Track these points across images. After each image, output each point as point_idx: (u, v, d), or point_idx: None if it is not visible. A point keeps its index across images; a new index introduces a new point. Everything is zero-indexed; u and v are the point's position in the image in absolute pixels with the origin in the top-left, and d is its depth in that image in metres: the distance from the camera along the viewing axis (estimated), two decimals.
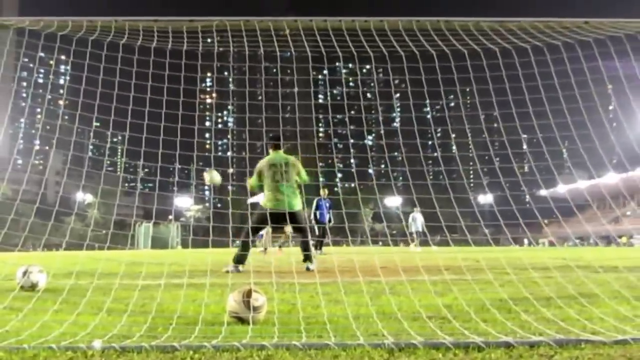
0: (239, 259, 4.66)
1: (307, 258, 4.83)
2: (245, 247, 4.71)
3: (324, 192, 11.18)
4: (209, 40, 3.28)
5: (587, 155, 2.99)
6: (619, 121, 3.26)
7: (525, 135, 3.43)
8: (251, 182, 5.04)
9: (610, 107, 3.52)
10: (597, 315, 1.87)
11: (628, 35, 2.81)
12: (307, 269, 4.65)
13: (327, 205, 10.91)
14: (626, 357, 1.31)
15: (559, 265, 5.04)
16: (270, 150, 5.07)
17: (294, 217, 4.83)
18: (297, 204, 4.93)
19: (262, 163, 4.99)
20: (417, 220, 14.39)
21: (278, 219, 4.81)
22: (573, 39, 2.86)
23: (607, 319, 1.76)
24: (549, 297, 2.31)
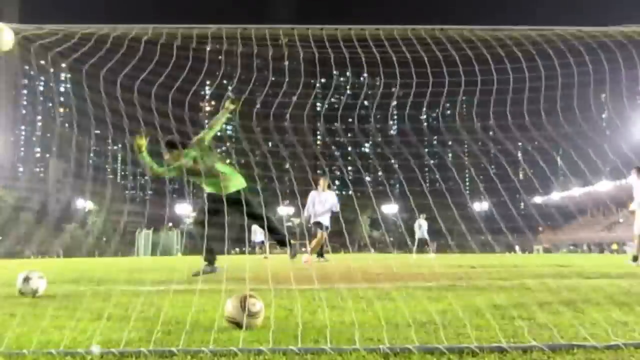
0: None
1: (281, 243, 4.47)
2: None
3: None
4: (207, 48, 3.34)
5: (581, 163, 3.04)
6: (612, 129, 3.32)
7: (520, 143, 3.49)
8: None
9: (604, 115, 3.59)
10: (589, 320, 1.89)
11: (621, 42, 2.88)
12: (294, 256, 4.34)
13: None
14: None
15: (553, 271, 5.07)
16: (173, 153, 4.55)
17: (233, 200, 4.29)
18: (232, 186, 4.50)
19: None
20: (422, 227, 14.31)
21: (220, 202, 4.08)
22: (566, 46, 2.93)
23: (599, 325, 1.79)
24: (543, 303, 2.34)
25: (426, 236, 14.37)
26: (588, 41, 2.90)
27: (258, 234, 15.40)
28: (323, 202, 8.29)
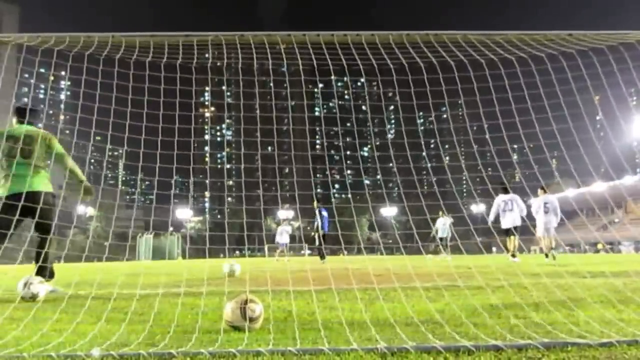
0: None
1: (41, 271, 3.47)
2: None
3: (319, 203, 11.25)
4: (206, 55, 3.39)
5: (575, 164, 3.08)
6: (605, 131, 3.37)
7: (515, 146, 3.52)
8: None
9: (598, 117, 3.64)
10: (583, 319, 1.91)
11: (611, 46, 2.94)
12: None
13: (323, 213, 11.06)
14: (611, 359, 1.35)
15: (549, 271, 5.09)
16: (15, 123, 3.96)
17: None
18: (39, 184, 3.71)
19: None
20: (446, 226, 13.70)
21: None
22: (557, 50, 2.98)
23: (593, 323, 1.81)
24: (538, 302, 2.36)
25: (448, 234, 13.61)
26: (580, 45, 2.95)
27: (284, 235, 15.43)
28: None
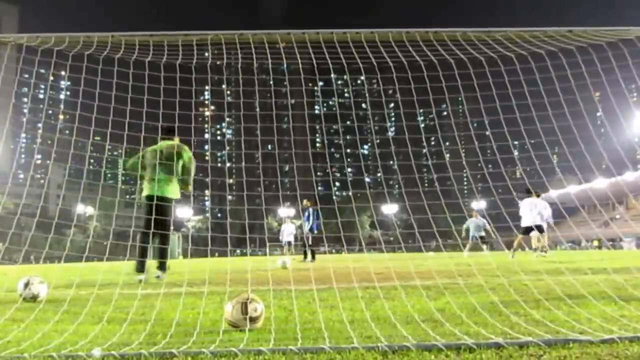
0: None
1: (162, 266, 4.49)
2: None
3: (308, 202, 11.33)
4: (205, 54, 3.37)
5: (576, 160, 3.07)
6: (606, 127, 3.36)
7: (516, 142, 3.52)
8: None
9: (598, 114, 3.63)
10: (584, 315, 1.91)
11: (610, 43, 2.92)
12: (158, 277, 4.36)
13: (309, 214, 11.16)
14: (613, 356, 1.34)
15: (549, 268, 5.09)
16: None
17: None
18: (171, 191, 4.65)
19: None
20: (479, 225, 13.71)
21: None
22: (557, 47, 2.97)
23: (594, 319, 1.81)
24: (539, 299, 2.36)
25: (480, 234, 13.44)
26: (580, 41, 2.94)
27: (285, 234, 15.52)
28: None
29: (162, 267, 4.52)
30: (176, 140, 5.05)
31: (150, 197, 4.60)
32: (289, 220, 16.54)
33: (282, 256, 10.92)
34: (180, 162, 4.81)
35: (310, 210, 11.06)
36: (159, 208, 4.43)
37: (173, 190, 4.75)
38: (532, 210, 10.03)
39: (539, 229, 10.13)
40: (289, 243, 15.70)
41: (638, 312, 1.95)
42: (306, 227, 10.99)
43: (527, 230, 10.26)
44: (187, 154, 4.87)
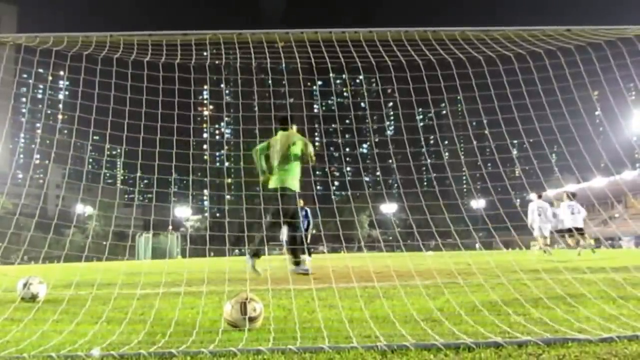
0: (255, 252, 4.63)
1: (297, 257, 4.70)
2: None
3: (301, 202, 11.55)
4: (204, 53, 3.37)
5: (575, 160, 3.08)
6: (605, 126, 3.37)
7: (515, 142, 3.52)
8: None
9: (597, 113, 3.64)
10: (583, 314, 1.91)
11: (609, 41, 2.93)
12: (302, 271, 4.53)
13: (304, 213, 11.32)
14: (611, 354, 1.34)
15: (548, 267, 5.10)
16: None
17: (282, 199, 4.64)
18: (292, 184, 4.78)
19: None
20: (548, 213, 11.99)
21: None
22: (556, 46, 2.97)
23: (593, 318, 1.81)
24: (538, 298, 2.36)
25: (575, 224, 11.02)
26: (578, 40, 2.94)
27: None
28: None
29: (296, 256, 4.69)
30: (293, 130, 5.05)
31: (276, 189, 4.71)
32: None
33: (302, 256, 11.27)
34: (297, 149, 4.86)
35: (306, 209, 11.30)
36: (285, 199, 4.59)
37: (294, 183, 4.83)
38: (542, 214, 10.87)
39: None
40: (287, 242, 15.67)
41: (637, 311, 1.95)
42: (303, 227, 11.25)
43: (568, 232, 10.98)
44: (301, 141, 4.91)
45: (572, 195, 11.28)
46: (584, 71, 2.91)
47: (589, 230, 11.84)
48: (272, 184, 4.82)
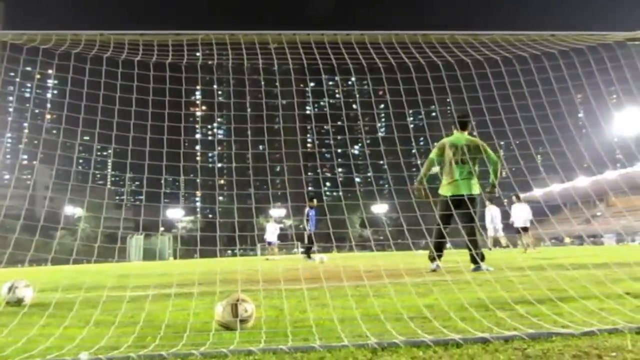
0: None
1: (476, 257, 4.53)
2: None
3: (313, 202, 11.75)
4: (196, 54, 3.35)
5: (559, 160, 3.16)
6: (587, 128, 3.48)
7: (502, 142, 3.60)
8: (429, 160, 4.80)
9: (579, 115, 3.75)
10: (567, 310, 1.97)
11: (591, 47, 3.02)
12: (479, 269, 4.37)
13: (310, 214, 11.45)
14: (593, 347, 1.39)
15: (533, 264, 5.23)
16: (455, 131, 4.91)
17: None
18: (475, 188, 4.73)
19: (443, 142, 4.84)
20: (495, 218, 13.44)
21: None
22: (540, 50, 3.06)
23: (576, 313, 1.86)
24: (523, 295, 2.42)
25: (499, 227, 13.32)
26: (562, 45, 3.02)
27: (269, 233, 15.56)
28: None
29: (475, 260, 4.54)
30: (467, 134, 4.91)
31: (455, 196, 4.59)
32: (272, 220, 16.57)
33: (320, 254, 11.45)
34: (488, 154, 4.69)
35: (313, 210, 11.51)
36: (466, 204, 4.43)
37: (476, 186, 4.75)
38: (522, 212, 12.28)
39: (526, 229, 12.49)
40: (270, 243, 15.71)
41: (617, 306, 2.02)
42: (312, 227, 11.41)
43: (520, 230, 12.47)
44: (494, 153, 4.73)
45: (518, 198, 12.58)
46: (567, 75, 2.99)
47: (534, 231, 13.23)
48: (454, 191, 4.68)
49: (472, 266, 4.57)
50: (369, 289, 2.87)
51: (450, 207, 4.53)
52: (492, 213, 13.15)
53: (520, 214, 12.48)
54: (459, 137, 4.85)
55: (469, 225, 4.56)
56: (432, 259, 4.70)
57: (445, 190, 4.73)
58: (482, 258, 4.60)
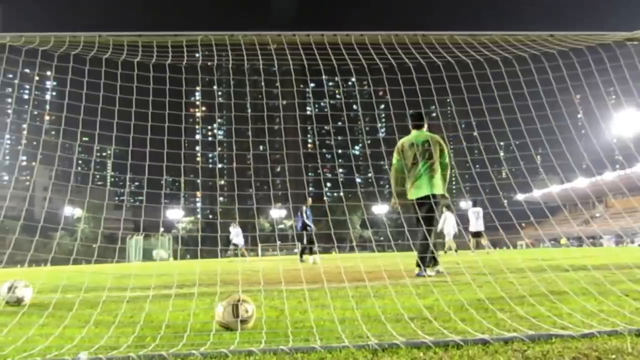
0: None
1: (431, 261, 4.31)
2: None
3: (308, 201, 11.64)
4: (196, 55, 3.35)
5: (558, 161, 3.17)
6: (587, 128, 3.48)
7: (502, 143, 3.60)
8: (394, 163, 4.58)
9: (579, 116, 3.75)
10: (566, 311, 1.97)
11: (590, 47, 3.03)
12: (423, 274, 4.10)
13: (308, 213, 11.34)
14: (592, 349, 1.39)
15: (533, 266, 5.22)
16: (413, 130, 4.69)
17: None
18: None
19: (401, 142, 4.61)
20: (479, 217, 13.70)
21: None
22: (540, 51, 3.06)
23: (575, 315, 1.86)
24: (523, 296, 2.42)
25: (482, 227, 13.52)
26: (561, 45, 3.03)
27: (233, 235, 15.61)
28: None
29: (419, 264, 4.30)
30: (425, 129, 4.70)
31: (419, 199, 4.43)
32: (234, 224, 16.45)
33: (310, 256, 11.39)
34: (443, 157, 4.51)
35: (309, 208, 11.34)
36: (427, 206, 4.30)
37: (438, 183, 4.49)
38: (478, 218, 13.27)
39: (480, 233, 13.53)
40: (236, 245, 15.71)
41: (616, 307, 2.02)
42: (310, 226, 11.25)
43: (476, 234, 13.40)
44: (447, 148, 4.57)
45: (474, 203, 13.40)
46: (566, 75, 3.00)
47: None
48: (417, 194, 4.53)
49: (417, 270, 4.31)
50: (369, 290, 2.87)
51: (418, 210, 4.38)
52: (447, 217, 13.93)
53: (475, 220, 13.24)
54: (418, 134, 4.67)
55: (427, 228, 4.36)
56: (417, 264, 4.37)
57: (411, 193, 4.59)
58: (435, 262, 4.40)
